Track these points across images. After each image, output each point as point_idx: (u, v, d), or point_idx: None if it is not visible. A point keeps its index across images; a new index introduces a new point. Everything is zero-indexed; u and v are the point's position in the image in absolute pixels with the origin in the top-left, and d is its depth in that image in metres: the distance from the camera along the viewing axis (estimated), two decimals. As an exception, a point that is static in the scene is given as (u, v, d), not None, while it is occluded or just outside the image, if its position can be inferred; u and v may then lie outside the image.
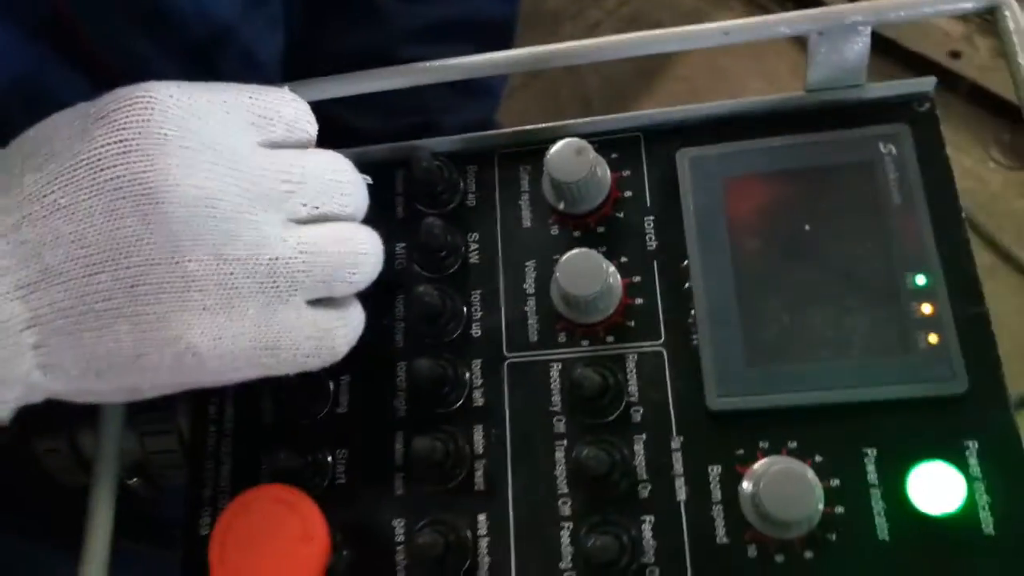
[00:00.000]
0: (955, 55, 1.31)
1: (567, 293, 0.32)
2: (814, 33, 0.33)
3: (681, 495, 0.31)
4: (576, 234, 0.35)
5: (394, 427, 0.34)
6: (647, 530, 0.31)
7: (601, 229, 0.35)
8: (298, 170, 0.30)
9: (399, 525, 0.32)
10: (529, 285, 0.35)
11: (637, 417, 0.32)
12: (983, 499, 0.29)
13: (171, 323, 0.27)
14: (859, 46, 0.33)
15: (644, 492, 0.31)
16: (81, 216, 0.27)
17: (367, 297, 0.33)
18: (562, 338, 0.34)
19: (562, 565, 0.31)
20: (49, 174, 0.27)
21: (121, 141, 0.27)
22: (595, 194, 0.34)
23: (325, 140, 0.33)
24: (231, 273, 0.28)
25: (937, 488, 0.29)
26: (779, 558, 0.30)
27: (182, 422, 0.37)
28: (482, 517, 0.32)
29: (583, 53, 0.35)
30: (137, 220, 0.27)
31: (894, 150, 0.33)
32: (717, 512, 0.31)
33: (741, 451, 0.31)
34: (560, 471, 0.32)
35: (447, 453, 0.32)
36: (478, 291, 0.35)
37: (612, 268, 0.33)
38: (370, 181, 0.33)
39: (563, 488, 0.32)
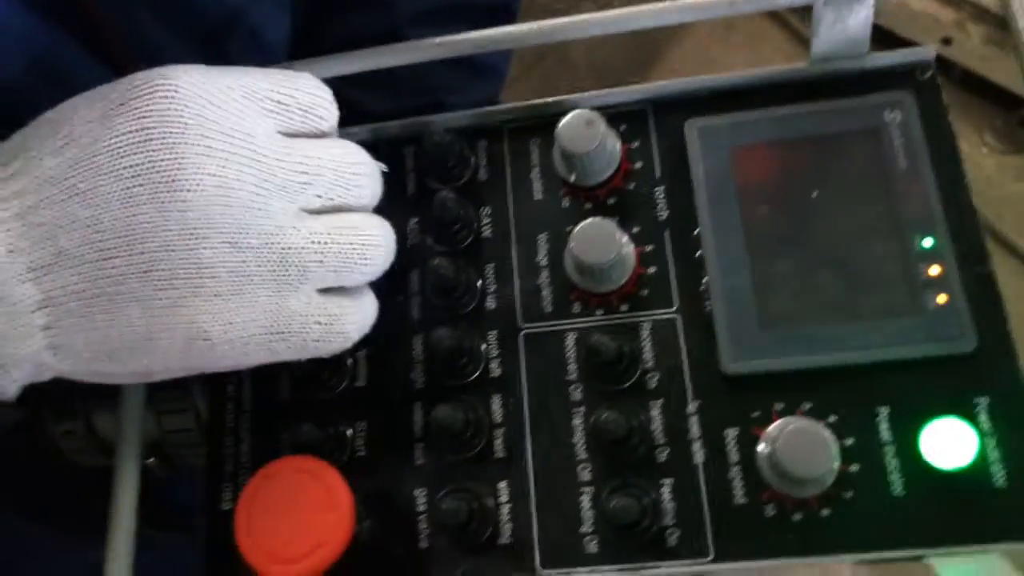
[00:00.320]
0: (947, 42, 1.31)
1: (582, 262, 0.33)
2: (819, 2, 0.33)
3: (698, 458, 0.32)
4: (587, 206, 0.36)
5: (412, 399, 0.34)
6: (666, 493, 0.31)
7: (612, 201, 0.35)
8: (314, 162, 0.30)
9: (421, 494, 0.33)
10: (542, 257, 0.35)
11: (653, 383, 0.33)
12: (994, 453, 0.30)
13: (183, 308, 0.28)
14: (862, 15, 0.34)
15: (662, 456, 0.32)
16: (99, 201, 0.27)
17: (383, 274, 0.33)
18: (576, 308, 0.34)
19: (583, 529, 0.31)
20: (70, 159, 0.27)
21: (142, 129, 0.27)
22: (606, 166, 0.35)
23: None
24: (244, 261, 0.28)
25: (949, 443, 0.30)
26: (796, 516, 0.30)
27: (199, 401, 0.37)
28: (503, 484, 0.32)
29: (587, 26, 0.35)
30: (154, 208, 0.27)
31: (898, 117, 0.34)
32: (734, 473, 0.31)
33: (757, 413, 0.32)
34: (578, 438, 0.33)
35: (467, 422, 0.32)
36: (491, 264, 0.36)
37: (625, 237, 0.33)
38: (385, 168, 0.34)
39: (582, 454, 0.32)
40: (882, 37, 1.28)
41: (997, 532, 0.29)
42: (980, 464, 0.30)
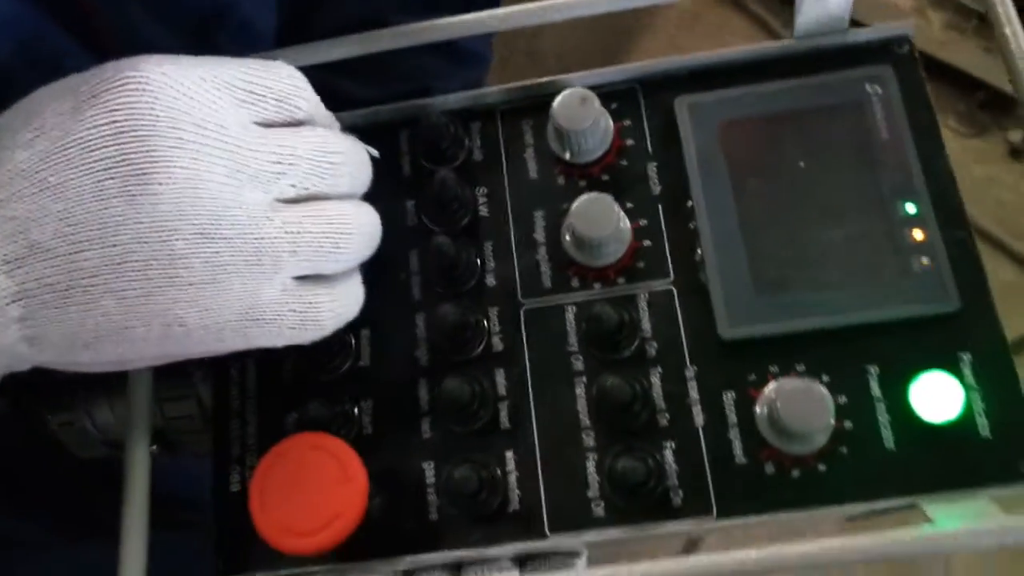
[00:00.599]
0: (908, 28, 1.34)
1: (581, 236, 0.33)
2: (800, -21, 0.35)
3: (699, 421, 0.33)
4: (582, 183, 0.36)
5: (417, 375, 0.35)
6: (669, 455, 0.32)
7: (606, 177, 0.36)
8: (288, 151, 0.30)
9: (429, 468, 0.34)
10: (540, 234, 0.36)
11: (652, 351, 0.34)
12: (979, 406, 0.31)
13: (158, 298, 0.28)
14: (842, -8, 0.35)
15: (663, 420, 0.33)
16: (70, 195, 0.27)
17: (380, 256, 0.34)
18: (575, 283, 0.35)
19: (589, 494, 0.32)
20: (40, 152, 0.27)
21: (112, 123, 0.27)
22: (599, 143, 0.36)
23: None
24: (217, 252, 0.28)
25: (937, 397, 0.31)
26: (795, 473, 0.31)
27: (200, 388, 0.37)
28: (509, 454, 0.33)
29: (571, 8, 0.36)
30: (125, 200, 0.27)
31: (879, 89, 0.35)
32: (734, 435, 0.32)
33: (753, 376, 0.33)
34: (582, 406, 0.33)
35: (474, 394, 0.33)
36: (490, 242, 0.36)
37: (621, 212, 0.34)
38: (376, 154, 0.34)
39: (585, 421, 0.33)
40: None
41: (983, 478, 0.30)
42: (966, 417, 0.31)
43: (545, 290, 0.35)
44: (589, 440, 0.33)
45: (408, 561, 0.32)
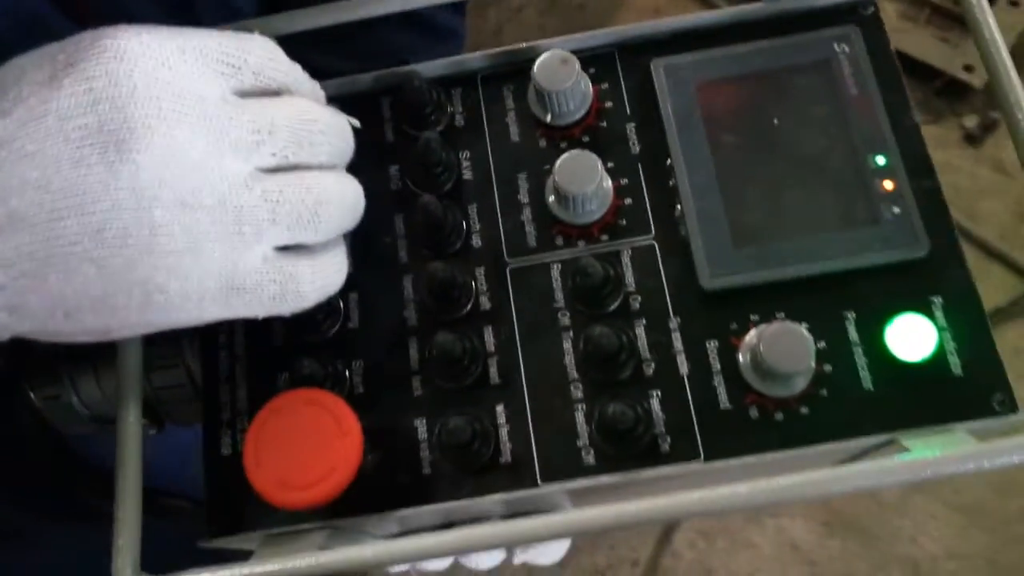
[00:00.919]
0: (864, 18, 1.38)
1: (565, 192, 0.34)
2: (770, -57, 0.36)
3: (684, 370, 0.34)
4: (563, 145, 0.37)
5: (407, 335, 0.35)
6: (655, 404, 0.33)
7: (586, 139, 0.37)
8: (267, 120, 0.30)
9: (421, 424, 0.34)
10: (523, 195, 0.37)
11: (636, 305, 0.35)
12: (950, 345, 0.33)
13: (138, 266, 0.28)
14: (809, -44, 0.36)
15: (649, 370, 0.34)
16: (48, 163, 0.27)
17: (365, 221, 0.34)
18: (559, 241, 0.36)
19: (579, 443, 0.33)
20: (17, 120, 0.27)
21: (90, 91, 0.27)
22: (579, 104, 0.37)
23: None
24: (197, 220, 0.28)
25: (911, 338, 0.32)
26: (779, 416, 0.32)
27: (188, 355, 0.37)
28: (500, 408, 0.34)
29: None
30: (104, 169, 0.27)
31: (847, 48, 0.37)
32: (718, 382, 0.33)
33: (734, 325, 0.34)
34: (569, 360, 0.34)
35: (464, 350, 0.33)
36: (474, 204, 0.37)
37: (604, 169, 0.35)
38: (357, 124, 0.34)
39: (573, 374, 0.34)
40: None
41: (957, 413, 0.32)
42: (938, 356, 0.32)
43: (530, 249, 0.36)
44: (577, 392, 0.34)
45: (400, 515, 0.33)
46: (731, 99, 0.37)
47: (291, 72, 0.32)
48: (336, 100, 0.36)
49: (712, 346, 0.34)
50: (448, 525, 0.35)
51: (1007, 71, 0.33)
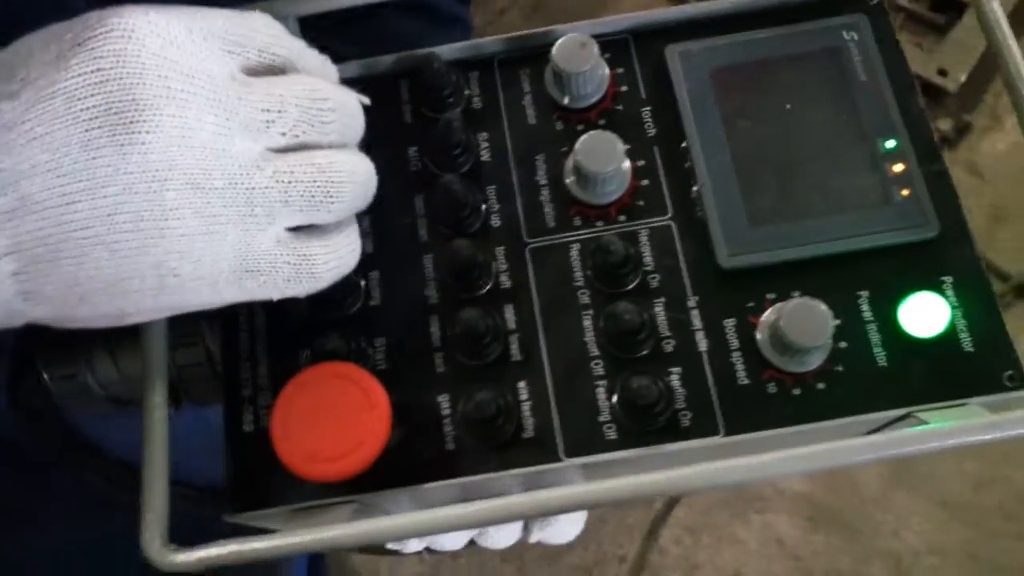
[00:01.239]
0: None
1: (586, 172, 0.35)
2: (783, -68, 0.37)
3: (702, 346, 0.34)
4: (579, 127, 0.38)
5: (428, 313, 0.36)
6: (675, 380, 0.34)
7: (603, 121, 0.38)
8: (276, 99, 0.30)
9: (444, 400, 0.34)
10: (541, 176, 0.37)
11: (655, 283, 0.35)
12: (962, 323, 0.34)
13: (151, 249, 0.28)
14: (819, -54, 0.37)
15: (668, 347, 0.34)
16: (57, 146, 0.27)
17: (384, 201, 0.34)
18: (577, 221, 0.36)
19: (601, 419, 0.34)
20: (25, 102, 0.27)
21: (98, 71, 0.27)
22: (597, 87, 0.37)
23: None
24: (209, 202, 0.28)
25: (925, 315, 0.33)
26: (796, 391, 0.33)
27: (207, 335, 0.37)
28: (522, 384, 0.34)
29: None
30: (114, 151, 0.27)
31: (855, 36, 0.38)
32: (736, 358, 0.34)
33: (751, 304, 0.34)
34: (589, 337, 0.35)
35: (487, 326, 0.34)
36: (493, 186, 0.37)
37: (624, 149, 0.36)
38: (367, 102, 0.34)
39: (594, 351, 0.34)
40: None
41: (970, 389, 0.33)
42: (950, 333, 0.33)
43: (549, 229, 0.36)
44: (599, 369, 0.34)
45: (424, 489, 0.33)
46: (744, 84, 0.37)
47: (295, 48, 0.32)
48: (355, 82, 0.36)
49: (730, 323, 0.34)
50: None
51: (1006, 41, 0.34)
